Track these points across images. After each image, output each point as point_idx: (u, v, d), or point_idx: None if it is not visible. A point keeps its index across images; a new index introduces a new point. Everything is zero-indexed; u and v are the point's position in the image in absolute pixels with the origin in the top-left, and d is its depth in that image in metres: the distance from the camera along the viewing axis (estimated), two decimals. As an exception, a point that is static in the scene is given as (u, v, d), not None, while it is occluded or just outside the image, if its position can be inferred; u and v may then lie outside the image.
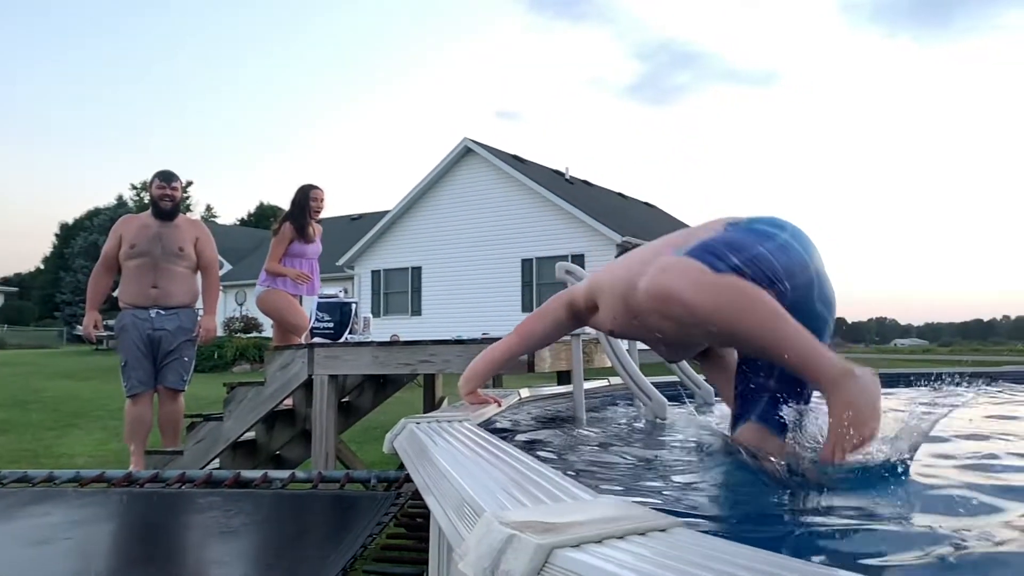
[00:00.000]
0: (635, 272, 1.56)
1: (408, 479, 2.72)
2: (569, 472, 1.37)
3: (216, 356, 17.25)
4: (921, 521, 1.15)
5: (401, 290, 23.87)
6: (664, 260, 1.50)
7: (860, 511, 1.24)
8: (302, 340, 4.90)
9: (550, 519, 0.74)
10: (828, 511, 1.24)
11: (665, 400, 2.51)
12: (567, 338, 3.90)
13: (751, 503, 1.43)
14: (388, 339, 4.90)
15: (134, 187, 56.53)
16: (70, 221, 58.86)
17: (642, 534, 0.72)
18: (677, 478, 1.56)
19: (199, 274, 4.71)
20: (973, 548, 0.98)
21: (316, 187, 5.31)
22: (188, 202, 53.61)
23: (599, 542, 0.70)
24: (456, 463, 1.10)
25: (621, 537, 0.71)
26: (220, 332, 19.60)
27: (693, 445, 2.00)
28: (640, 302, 1.48)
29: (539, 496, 0.88)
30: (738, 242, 1.53)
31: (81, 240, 48.88)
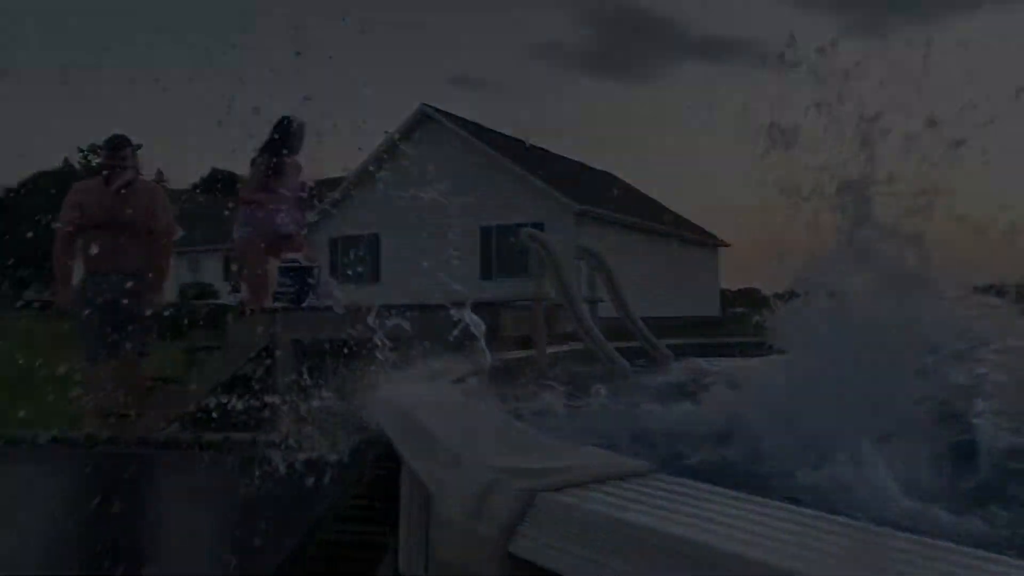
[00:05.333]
0: None
1: (378, 439, 2.74)
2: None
3: (173, 323, 16.96)
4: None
5: (359, 257, 23.61)
6: None
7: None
8: (265, 305, 4.84)
9: (534, 465, 0.77)
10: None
11: (627, 364, 2.59)
12: (530, 303, 3.94)
13: (729, 451, 1.50)
14: (349, 305, 4.86)
15: (81, 150, 54.57)
16: (14, 185, 56.67)
17: (621, 479, 0.75)
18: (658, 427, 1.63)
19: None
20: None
21: (296, 119, 5.16)
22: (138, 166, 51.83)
23: (581, 486, 0.73)
24: (435, 419, 1.13)
25: (602, 482, 0.74)
26: (175, 299, 19.27)
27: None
28: None
29: (522, 446, 0.91)
30: None
31: (25, 206, 47.19)
